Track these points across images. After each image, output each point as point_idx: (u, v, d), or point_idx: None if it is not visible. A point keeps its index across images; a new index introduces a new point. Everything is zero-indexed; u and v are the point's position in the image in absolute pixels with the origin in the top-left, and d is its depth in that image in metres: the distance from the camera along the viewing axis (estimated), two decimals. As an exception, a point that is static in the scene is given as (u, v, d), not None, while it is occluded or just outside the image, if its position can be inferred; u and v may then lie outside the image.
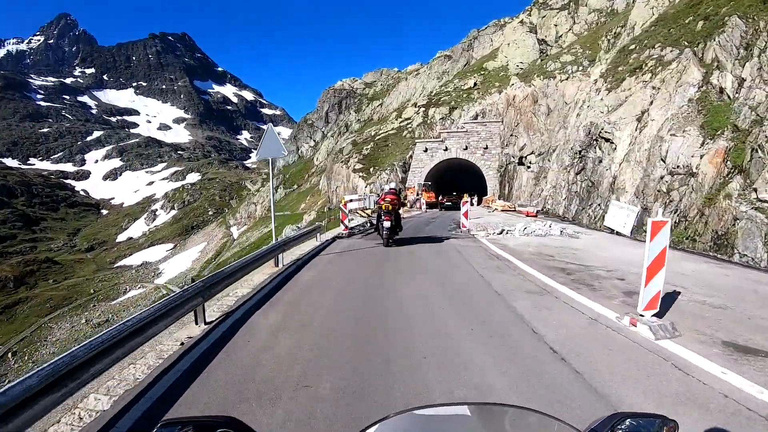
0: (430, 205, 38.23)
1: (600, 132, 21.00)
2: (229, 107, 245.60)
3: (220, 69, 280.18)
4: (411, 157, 46.39)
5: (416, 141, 45.64)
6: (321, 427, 3.18)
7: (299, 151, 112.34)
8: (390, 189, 12.66)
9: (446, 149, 44.24)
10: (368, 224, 19.89)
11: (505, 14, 78.36)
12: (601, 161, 20.69)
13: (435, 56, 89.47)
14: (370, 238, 14.79)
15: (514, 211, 29.38)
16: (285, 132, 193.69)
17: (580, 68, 42.07)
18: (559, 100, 37.87)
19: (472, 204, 39.56)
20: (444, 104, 55.83)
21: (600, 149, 21.12)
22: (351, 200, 22.03)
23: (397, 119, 59.82)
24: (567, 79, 39.02)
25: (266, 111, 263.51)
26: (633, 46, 26.28)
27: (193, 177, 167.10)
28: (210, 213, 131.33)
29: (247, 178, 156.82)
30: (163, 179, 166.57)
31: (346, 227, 16.67)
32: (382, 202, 12.13)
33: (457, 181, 50.22)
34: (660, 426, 1.05)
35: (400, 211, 13.81)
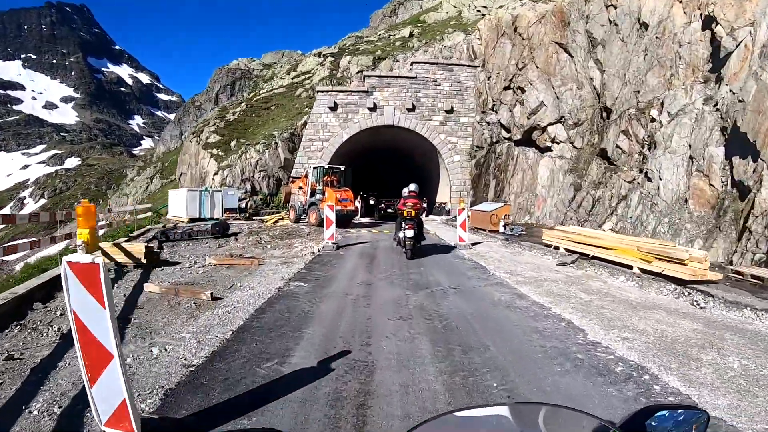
0: (344, 219, 15.25)
1: None
2: (123, 89, 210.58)
3: (117, 47, 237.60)
4: (305, 124, 22.39)
5: (318, 90, 21.74)
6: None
7: (183, 136, 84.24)
8: (410, 192, 9.98)
9: (374, 107, 20.87)
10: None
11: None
12: None
13: (345, 37, 66.65)
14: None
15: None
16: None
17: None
18: (624, 21, 16.23)
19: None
20: (365, 53, 32.37)
21: None
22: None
23: (288, 74, 35.65)
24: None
25: (162, 96, 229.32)
26: None
27: (72, 162, 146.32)
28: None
29: (131, 166, 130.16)
30: (40, 163, 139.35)
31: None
32: (403, 208, 9.70)
33: (388, 175, 27.18)
34: (690, 416, 1.01)
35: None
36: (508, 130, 19.68)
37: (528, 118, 18.66)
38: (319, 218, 14.90)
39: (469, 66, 21.91)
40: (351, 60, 31.31)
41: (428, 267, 8.03)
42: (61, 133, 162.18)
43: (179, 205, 19.88)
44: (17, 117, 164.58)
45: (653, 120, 13.47)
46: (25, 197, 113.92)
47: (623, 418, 1.01)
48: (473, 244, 11.15)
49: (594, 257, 8.38)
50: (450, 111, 21.17)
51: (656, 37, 14.57)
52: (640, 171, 13.52)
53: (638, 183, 13.29)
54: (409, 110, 20.88)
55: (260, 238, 12.37)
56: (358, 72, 29.95)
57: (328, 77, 30.27)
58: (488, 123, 20.50)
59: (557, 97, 18.11)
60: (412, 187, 9.97)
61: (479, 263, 8.53)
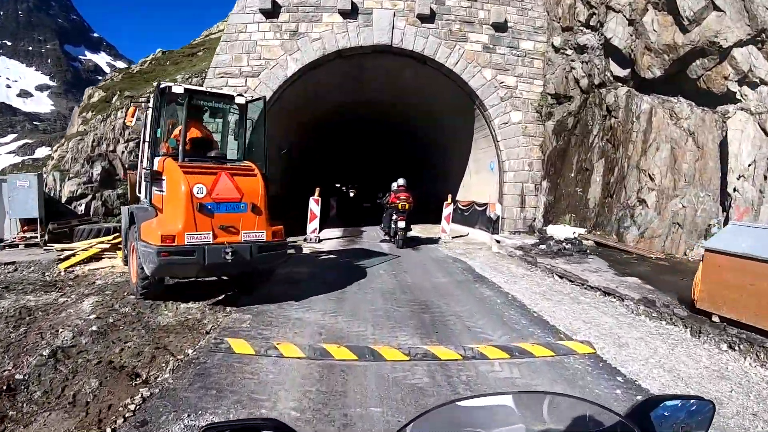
0: (240, 277, 4.29)
1: None
2: (100, 78, 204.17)
3: (95, 35, 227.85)
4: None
5: (243, -17, 10.98)
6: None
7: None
8: (399, 186, 9.72)
9: (353, 10, 10.01)
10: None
11: None
12: None
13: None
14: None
15: None
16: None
17: None
18: None
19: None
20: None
21: None
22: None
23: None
24: None
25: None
26: None
27: (43, 151, 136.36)
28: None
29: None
30: (10, 153, 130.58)
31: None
32: (396, 201, 9.50)
33: (377, 155, 16.73)
34: (696, 407, 0.96)
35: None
36: (625, 63, 8.98)
37: (683, 33, 7.97)
38: (142, 278, 4.17)
39: (531, -49, 11.13)
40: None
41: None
42: (34, 122, 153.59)
43: None
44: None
45: None
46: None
47: (627, 408, 0.97)
48: None
49: None
50: (502, 27, 10.45)
51: None
52: None
53: None
54: (422, 19, 10.09)
55: None
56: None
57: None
58: (579, 49, 9.83)
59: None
60: (401, 181, 10.01)
61: None
